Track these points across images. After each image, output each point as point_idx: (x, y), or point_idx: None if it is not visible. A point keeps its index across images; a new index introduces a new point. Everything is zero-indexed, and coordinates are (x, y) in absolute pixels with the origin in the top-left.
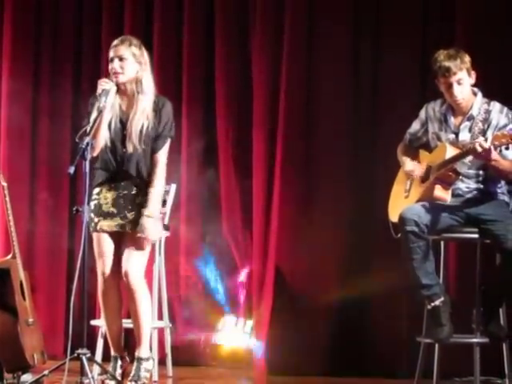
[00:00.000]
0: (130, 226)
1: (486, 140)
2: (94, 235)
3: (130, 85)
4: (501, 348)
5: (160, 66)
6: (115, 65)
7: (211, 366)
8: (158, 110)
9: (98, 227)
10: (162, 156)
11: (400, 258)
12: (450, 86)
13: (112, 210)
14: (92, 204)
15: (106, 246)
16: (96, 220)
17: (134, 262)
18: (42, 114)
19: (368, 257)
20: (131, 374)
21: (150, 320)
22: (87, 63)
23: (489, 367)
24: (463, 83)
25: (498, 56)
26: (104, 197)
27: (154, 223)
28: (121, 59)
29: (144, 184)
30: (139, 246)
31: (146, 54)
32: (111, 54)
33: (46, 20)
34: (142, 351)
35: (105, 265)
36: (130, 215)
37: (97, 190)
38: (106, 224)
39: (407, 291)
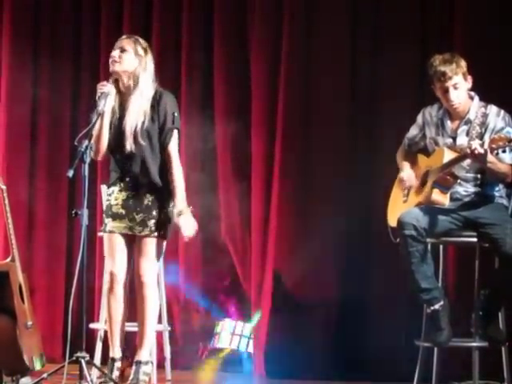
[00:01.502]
0: (139, 228)
1: (482, 143)
2: (104, 236)
3: (126, 80)
4: (500, 352)
5: (159, 66)
6: (114, 53)
7: (210, 370)
8: (155, 103)
9: (107, 228)
10: (173, 149)
11: (399, 263)
12: (446, 91)
13: (121, 211)
14: (104, 205)
15: (114, 247)
16: (106, 221)
17: (147, 265)
18: (41, 115)
19: (367, 260)
20: (130, 378)
21: (155, 324)
22: (86, 64)
23: (488, 371)
24: (459, 87)
25: (498, 58)
26: (115, 197)
27: (187, 219)
28: (122, 50)
29: (152, 183)
30: (149, 247)
31: (150, 58)
32: (115, 46)
33: (44, 21)
34: (143, 354)
35: (113, 265)
36: (139, 217)
37: (109, 190)
38: (115, 225)
39: (406, 295)
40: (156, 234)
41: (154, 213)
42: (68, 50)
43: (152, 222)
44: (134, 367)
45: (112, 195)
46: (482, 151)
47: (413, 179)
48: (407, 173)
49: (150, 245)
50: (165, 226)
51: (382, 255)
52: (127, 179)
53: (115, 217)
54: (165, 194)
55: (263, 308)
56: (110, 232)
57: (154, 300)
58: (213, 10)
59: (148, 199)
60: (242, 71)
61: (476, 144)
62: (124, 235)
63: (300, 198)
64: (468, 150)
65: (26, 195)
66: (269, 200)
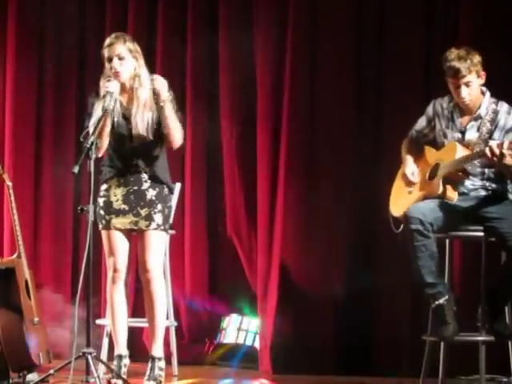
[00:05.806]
0: (145, 223)
1: (501, 144)
2: (105, 232)
3: (128, 81)
4: (506, 346)
5: (164, 61)
6: (115, 64)
7: (216, 365)
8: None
9: (111, 225)
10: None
11: (404, 256)
12: (457, 87)
13: (123, 206)
14: (101, 201)
15: (117, 244)
16: (107, 218)
17: (154, 258)
18: (46, 111)
19: (372, 254)
20: (147, 374)
21: (165, 317)
22: (90, 62)
23: (494, 365)
24: (471, 85)
25: (502, 57)
26: (113, 193)
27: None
28: (120, 58)
29: (154, 177)
30: (156, 241)
31: (138, 46)
32: (108, 53)
33: (49, 27)
34: (157, 350)
35: (116, 262)
36: (144, 212)
37: (105, 186)
38: (119, 222)
39: (412, 289)
40: (162, 227)
41: (160, 207)
42: (72, 46)
43: (158, 216)
44: (149, 363)
45: (110, 191)
46: (497, 151)
47: (416, 175)
48: (411, 169)
49: (156, 239)
50: (168, 220)
51: (389, 249)
52: (127, 173)
53: (118, 213)
54: (167, 188)
55: (269, 303)
56: (113, 229)
57: (162, 294)
58: (218, 4)
59: (151, 193)
60: (247, 65)
61: (494, 145)
62: (125, 231)
63: (305, 192)
64: (487, 151)
65: (32, 192)
66: (274, 195)
